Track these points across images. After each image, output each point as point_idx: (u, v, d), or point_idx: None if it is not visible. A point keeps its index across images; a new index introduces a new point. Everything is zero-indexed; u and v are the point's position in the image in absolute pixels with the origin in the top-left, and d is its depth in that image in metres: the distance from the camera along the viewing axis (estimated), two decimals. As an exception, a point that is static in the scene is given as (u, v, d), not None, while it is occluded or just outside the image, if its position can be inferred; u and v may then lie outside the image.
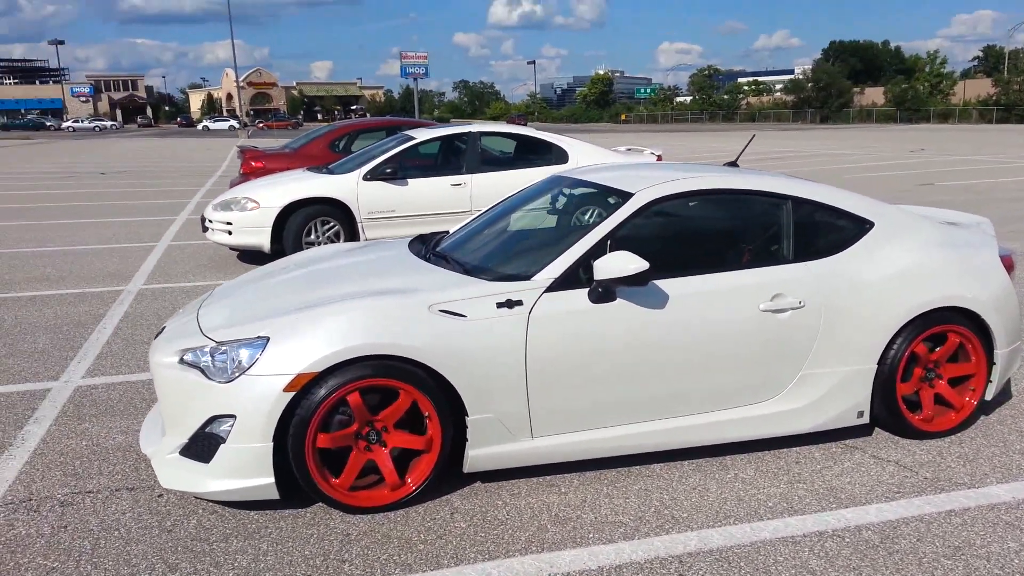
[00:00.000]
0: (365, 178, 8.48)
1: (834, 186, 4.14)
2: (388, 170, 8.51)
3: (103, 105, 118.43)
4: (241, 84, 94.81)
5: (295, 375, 3.09)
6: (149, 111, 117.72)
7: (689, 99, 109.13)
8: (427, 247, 4.24)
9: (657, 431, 3.59)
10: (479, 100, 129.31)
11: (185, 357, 3.30)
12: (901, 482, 3.55)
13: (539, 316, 3.36)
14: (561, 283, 3.44)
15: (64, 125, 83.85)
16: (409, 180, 8.61)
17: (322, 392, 3.12)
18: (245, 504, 3.33)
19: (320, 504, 3.34)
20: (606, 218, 3.65)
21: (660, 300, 3.51)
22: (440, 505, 3.37)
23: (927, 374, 3.96)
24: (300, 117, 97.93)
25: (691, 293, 3.56)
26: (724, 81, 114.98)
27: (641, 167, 4.52)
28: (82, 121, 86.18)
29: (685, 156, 28.03)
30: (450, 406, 3.30)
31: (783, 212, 3.85)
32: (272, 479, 3.16)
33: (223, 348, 3.23)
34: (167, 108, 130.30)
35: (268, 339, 3.19)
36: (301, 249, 7.89)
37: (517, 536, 3.12)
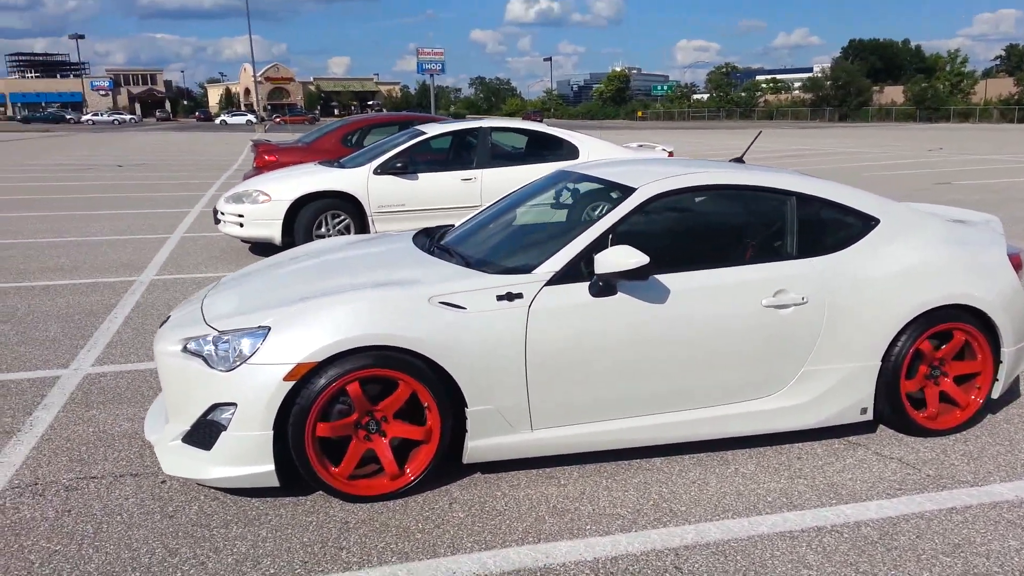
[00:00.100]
0: (376, 172, 8.52)
1: (840, 183, 4.12)
2: (399, 164, 8.54)
3: (122, 99, 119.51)
4: (259, 79, 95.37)
5: (295, 364, 3.12)
6: (168, 105, 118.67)
7: (706, 96, 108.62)
8: (431, 240, 4.25)
9: (657, 425, 3.59)
10: (495, 96, 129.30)
11: (188, 346, 3.33)
12: (903, 479, 3.53)
13: (539, 309, 3.37)
14: (562, 277, 3.44)
15: (84, 118, 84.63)
16: (420, 175, 8.64)
17: (322, 382, 3.15)
18: (246, 491, 3.36)
19: (320, 492, 3.36)
20: (608, 212, 3.65)
21: (661, 295, 3.50)
22: (439, 495, 3.38)
23: (932, 372, 3.93)
24: (317, 112, 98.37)
25: (693, 288, 3.55)
26: (742, 79, 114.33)
27: (646, 162, 4.51)
28: (101, 114, 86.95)
29: (701, 153, 27.92)
30: (450, 397, 3.32)
31: (787, 208, 3.84)
32: (272, 467, 3.19)
33: (225, 337, 3.26)
34: (185, 102, 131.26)
35: (269, 329, 3.22)
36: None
37: (514, 527, 3.13)
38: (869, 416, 3.86)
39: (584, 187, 4.44)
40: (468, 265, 3.66)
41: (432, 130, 8.95)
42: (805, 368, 3.72)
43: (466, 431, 3.37)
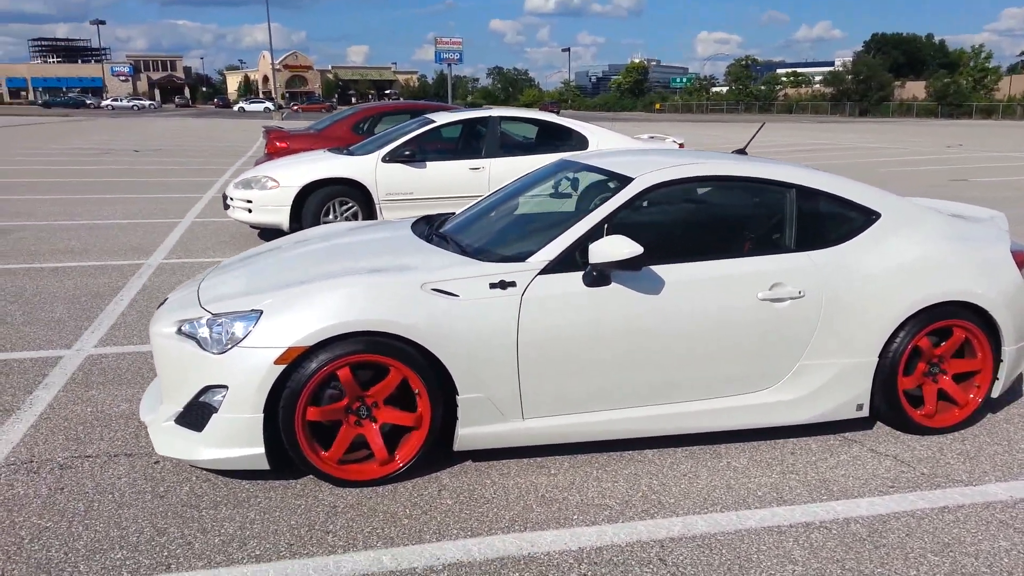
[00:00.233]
0: (384, 160, 8.52)
1: (846, 177, 4.07)
2: (407, 152, 8.53)
3: (142, 85, 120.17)
4: (277, 67, 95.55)
5: (286, 348, 3.13)
6: (187, 91, 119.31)
7: (725, 89, 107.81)
8: (430, 228, 4.25)
9: (649, 416, 3.58)
10: (512, 87, 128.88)
11: (183, 328, 3.35)
12: (896, 477, 3.50)
13: (532, 298, 3.36)
14: (556, 266, 3.43)
15: (103, 103, 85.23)
16: (428, 163, 8.63)
17: (313, 366, 3.16)
18: (238, 474, 3.39)
19: (311, 476, 3.38)
20: (605, 202, 3.63)
21: (656, 286, 3.48)
22: (429, 482, 3.39)
23: (931, 369, 3.89)
24: (334, 100, 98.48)
25: (688, 280, 3.53)
26: (762, 72, 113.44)
27: (647, 153, 4.48)
28: (121, 100, 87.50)
29: (717, 146, 27.72)
30: (440, 384, 3.32)
31: (787, 200, 3.80)
32: (262, 450, 3.21)
33: (219, 320, 3.28)
34: (204, 89, 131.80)
35: (262, 312, 3.23)
36: (318, 228, 7.95)
37: (501, 515, 3.14)
38: (865, 413, 3.82)
39: (584, 177, 4.42)
40: (464, 253, 3.65)
41: (441, 118, 8.93)
42: (801, 363, 3.69)
43: (457, 419, 3.37)
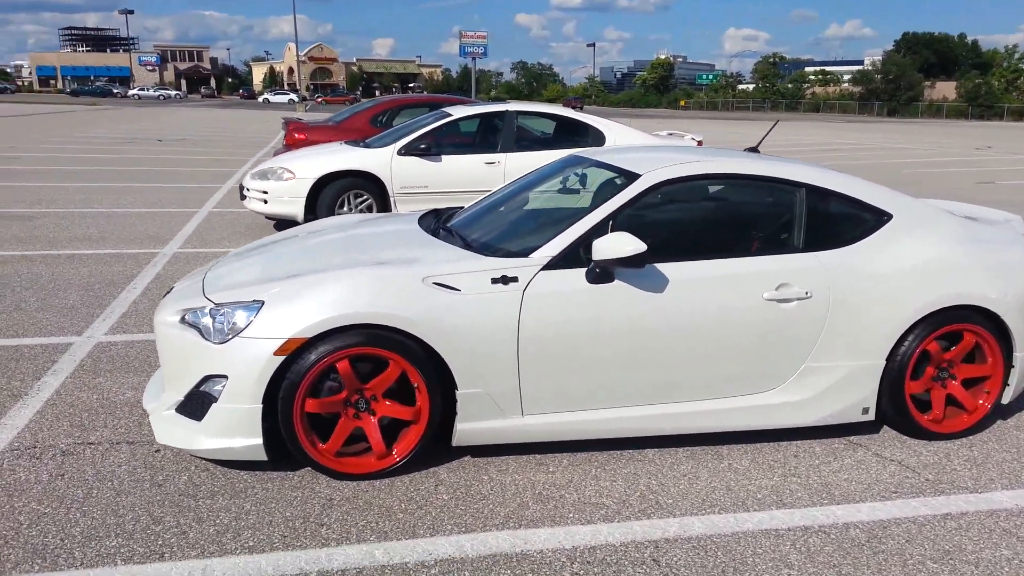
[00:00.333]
0: (400, 153, 8.53)
1: (858, 176, 4.01)
2: (423, 146, 8.53)
3: (169, 75, 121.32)
4: (302, 59, 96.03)
5: (286, 339, 3.13)
6: (213, 82, 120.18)
7: (752, 87, 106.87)
8: (437, 221, 4.24)
9: (651, 416, 3.55)
10: (536, 81, 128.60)
11: (185, 317, 3.37)
12: (900, 482, 3.45)
13: (534, 294, 3.34)
14: (559, 262, 3.41)
15: (130, 93, 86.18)
16: (443, 156, 8.62)
17: (312, 358, 3.16)
18: (237, 464, 3.40)
19: (309, 469, 3.38)
20: (611, 198, 3.60)
21: (660, 284, 3.45)
22: (426, 476, 3.39)
23: (940, 373, 3.82)
24: (358, 93, 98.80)
25: (693, 278, 3.49)
26: (790, 70, 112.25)
27: (660, 149, 4.44)
28: (147, 89, 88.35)
29: (738, 145, 27.47)
30: (440, 379, 3.31)
31: (796, 200, 3.75)
32: (260, 440, 3.22)
33: (221, 310, 3.29)
34: (230, 80, 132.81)
35: (263, 303, 3.24)
36: (332, 220, 7.97)
37: (496, 512, 3.13)
38: (871, 416, 3.77)
39: (592, 173, 4.39)
40: (469, 248, 3.64)
41: (458, 112, 8.92)
42: (806, 364, 3.64)
43: (456, 413, 3.36)
